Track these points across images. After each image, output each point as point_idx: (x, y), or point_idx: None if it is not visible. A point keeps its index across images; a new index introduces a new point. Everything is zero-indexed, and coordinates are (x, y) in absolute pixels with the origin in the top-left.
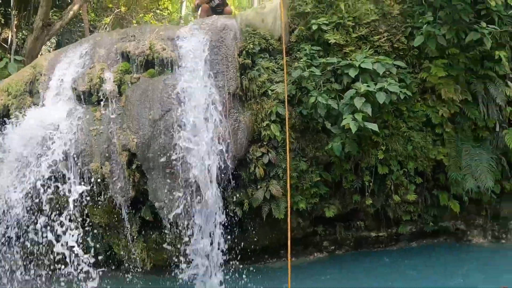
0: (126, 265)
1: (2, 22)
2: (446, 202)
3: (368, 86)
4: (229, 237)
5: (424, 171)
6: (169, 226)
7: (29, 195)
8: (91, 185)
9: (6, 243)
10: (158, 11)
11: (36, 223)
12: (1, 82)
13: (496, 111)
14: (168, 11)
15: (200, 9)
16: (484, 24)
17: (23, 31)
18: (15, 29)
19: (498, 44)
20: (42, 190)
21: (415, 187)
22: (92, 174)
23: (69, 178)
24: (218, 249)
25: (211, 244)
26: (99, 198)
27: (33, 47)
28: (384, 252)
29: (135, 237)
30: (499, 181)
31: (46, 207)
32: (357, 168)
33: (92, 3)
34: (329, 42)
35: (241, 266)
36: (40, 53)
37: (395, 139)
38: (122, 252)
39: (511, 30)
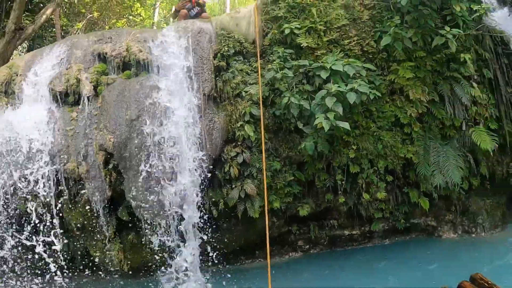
0: (103, 268)
1: None
2: (417, 199)
3: (339, 86)
4: (204, 237)
5: (394, 169)
6: (145, 226)
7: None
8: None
9: None
10: (131, 17)
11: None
12: None
13: (462, 111)
14: (141, 17)
15: (178, 14)
16: (448, 29)
17: None
18: None
19: (463, 47)
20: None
21: (386, 185)
22: (69, 174)
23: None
24: (194, 249)
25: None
26: (75, 199)
27: (4, 51)
28: (358, 250)
29: (111, 238)
30: (467, 178)
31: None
32: (329, 167)
33: (64, 8)
34: (301, 45)
35: (219, 267)
36: (11, 58)
37: (365, 138)
38: (98, 254)
39: (475, 34)
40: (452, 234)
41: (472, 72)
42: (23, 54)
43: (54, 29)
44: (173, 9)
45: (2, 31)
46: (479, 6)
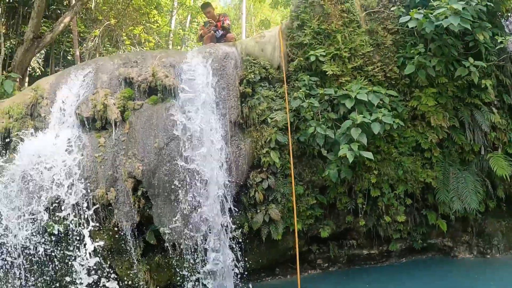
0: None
1: None
2: (434, 221)
3: (364, 117)
4: (229, 260)
5: (414, 192)
6: (172, 249)
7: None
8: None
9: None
10: (148, 24)
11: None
12: (1, 103)
13: (481, 137)
14: (158, 24)
15: (204, 37)
16: (471, 60)
17: (11, 40)
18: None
19: (484, 73)
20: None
21: (405, 207)
22: (98, 200)
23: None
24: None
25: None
26: (104, 223)
27: (23, 58)
28: (375, 268)
29: (138, 260)
30: (484, 200)
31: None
32: (351, 191)
33: (81, 14)
34: (327, 73)
35: (240, 285)
36: (29, 65)
37: (387, 164)
38: (124, 274)
39: (497, 63)
40: (468, 254)
41: (492, 98)
42: (40, 61)
43: (71, 35)
44: (199, 33)
45: (20, 38)
46: (503, 38)
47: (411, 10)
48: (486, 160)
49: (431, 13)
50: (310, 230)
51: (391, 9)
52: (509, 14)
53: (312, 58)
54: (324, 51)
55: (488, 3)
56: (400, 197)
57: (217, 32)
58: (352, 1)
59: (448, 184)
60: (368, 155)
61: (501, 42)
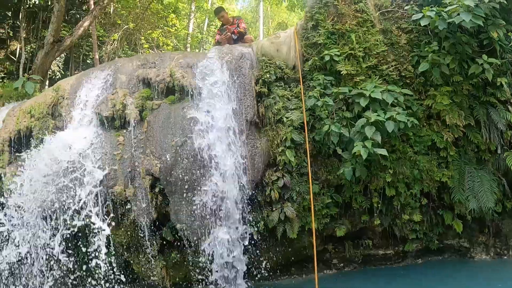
0: (144, 282)
1: (11, 34)
2: (450, 221)
3: (378, 115)
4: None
5: (430, 192)
6: (188, 246)
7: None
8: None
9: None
10: (166, 27)
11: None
12: (23, 103)
13: (497, 135)
14: (176, 27)
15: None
16: (485, 57)
17: (32, 44)
18: (23, 42)
19: (499, 71)
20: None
21: (421, 207)
22: (116, 196)
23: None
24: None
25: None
26: (121, 219)
27: (44, 62)
28: (391, 269)
29: (155, 256)
30: (500, 200)
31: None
32: (366, 190)
33: (100, 18)
34: (341, 72)
35: (256, 283)
36: (50, 68)
37: (402, 163)
38: (141, 270)
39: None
40: (485, 255)
41: (508, 96)
42: (60, 64)
43: (90, 39)
44: (216, 39)
45: (41, 43)
46: None
47: (424, 8)
48: (502, 159)
49: (444, 11)
50: (325, 229)
51: (405, 8)
52: None
53: (327, 58)
54: (338, 51)
55: (502, 1)
56: (415, 197)
57: (233, 34)
58: (365, 1)
59: (464, 183)
60: (382, 151)
61: None
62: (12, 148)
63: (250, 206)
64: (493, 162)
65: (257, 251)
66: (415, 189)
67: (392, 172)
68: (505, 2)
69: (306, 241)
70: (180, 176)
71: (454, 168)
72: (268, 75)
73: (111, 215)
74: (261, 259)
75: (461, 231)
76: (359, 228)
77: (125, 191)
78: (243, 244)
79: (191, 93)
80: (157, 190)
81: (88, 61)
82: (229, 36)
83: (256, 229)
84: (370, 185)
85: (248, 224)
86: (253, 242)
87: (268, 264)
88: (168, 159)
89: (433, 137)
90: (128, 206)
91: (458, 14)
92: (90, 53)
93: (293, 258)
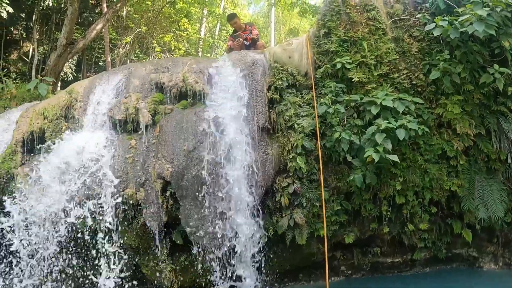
0: (153, 285)
1: (24, 35)
2: (459, 230)
3: (389, 123)
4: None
5: (439, 200)
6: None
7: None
8: (126, 209)
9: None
10: (178, 31)
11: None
12: (37, 105)
13: (508, 145)
14: (188, 32)
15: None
16: (496, 67)
17: (44, 46)
18: (36, 44)
19: (511, 80)
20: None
21: (430, 216)
22: (127, 199)
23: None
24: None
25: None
26: (132, 222)
27: (56, 64)
28: (399, 277)
29: (164, 259)
30: (510, 210)
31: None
32: (376, 197)
33: (113, 21)
34: (353, 80)
35: None
36: (62, 70)
37: (412, 171)
38: (150, 273)
39: None
40: (493, 265)
41: None
42: (73, 66)
43: (103, 42)
44: (228, 45)
45: (54, 44)
46: None
47: (436, 18)
48: None
49: (456, 20)
50: (334, 236)
51: (417, 16)
52: None
53: (339, 65)
54: (350, 59)
55: None
56: (425, 205)
57: (245, 41)
58: (378, 9)
59: (474, 192)
60: (394, 157)
61: None
62: (25, 149)
63: (260, 212)
64: (503, 171)
65: (266, 257)
66: (425, 198)
67: (402, 180)
68: None
69: (314, 248)
70: (192, 180)
71: (464, 177)
72: (280, 82)
73: (122, 218)
74: (270, 263)
75: (470, 240)
76: (367, 236)
77: (136, 194)
78: (255, 250)
79: (204, 98)
80: (168, 194)
81: (100, 63)
82: (242, 42)
83: (265, 235)
84: (379, 192)
85: (259, 229)
86: (262, 248)
87: (277, 269)
88: (180, 163)
89: (443, 146)
90: (139, 209)
91: (471, 24)
92: (102, 55)
93: (301, 264)
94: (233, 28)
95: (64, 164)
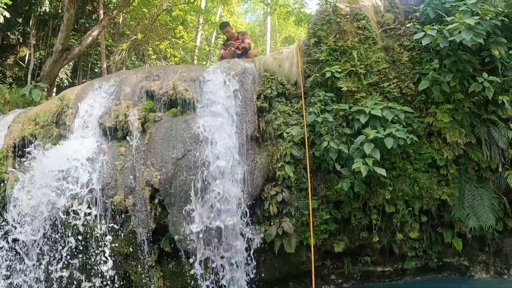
0: None
1: (20, 40)
2: (450, 239)
3: (377, 132)
4: (243, 272)
5: (429, 209)
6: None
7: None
8: (114, 216)
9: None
10: (173, 39)
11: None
12: (29, 110)
13: (498, 154)
14: (184, 39)
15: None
16: (486, 75)
17: (41, 51)
18: (33, 49)
19: (501, 89)
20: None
21: (420, 225)
22: (116, 206)
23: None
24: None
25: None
26: (121, 228)
27: (52, 69)
28: (390, 286)
29: (152, 266)
30: (501, 219)
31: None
32: (365, 206)
33: (109, 28)
34: (342, 89)
35: None
36: (58, 75)
37: (402, 180)
38: (138, 279)
39: None
40: (485, 274)
41: (509, 114)
42: (68, 72)
43: (99, 48)
44: (220, 54)
45: (50, 50)
46: None
47: (425, 26)
48: (503, 177)
49: (445, 29)
50: (324, 245)
51: (407, 25)
52: None
53: (328, 74)
54: (340, 68)
55: (504, 18)
56: (415, 214)
57: (237, 50)
58: (368, 18)
59: (464, 201)
60: (381, 171)
61: None
62: (16, 154)
63: (249, 220)
64: (494, 180)
65: (255, 265)
66: (415, 207)
67: (391, 189)
68: (507, 20)
69: (304, 256)
70: (180, 188)
71: (454, 186)
72: (269, 91)
73: (111, 224)
74: (259, 272)
75: (460, 249)
76: (357, 245)
77: (125, 201)
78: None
79: (194, 106)
80: (156, 201)
81: (96, 70)
82: (233, 51)
83: (254, 243)
84: (369, 201)
85: (247, 238)
86: (251, 256)
87: (266, 277)
88: (168, 171)
89: (433, 155)
90: (128, 216)
91: (460, 32)
92: (98, 62)
93: (291, 273)
94: (226, 37)
95: (53, 171)
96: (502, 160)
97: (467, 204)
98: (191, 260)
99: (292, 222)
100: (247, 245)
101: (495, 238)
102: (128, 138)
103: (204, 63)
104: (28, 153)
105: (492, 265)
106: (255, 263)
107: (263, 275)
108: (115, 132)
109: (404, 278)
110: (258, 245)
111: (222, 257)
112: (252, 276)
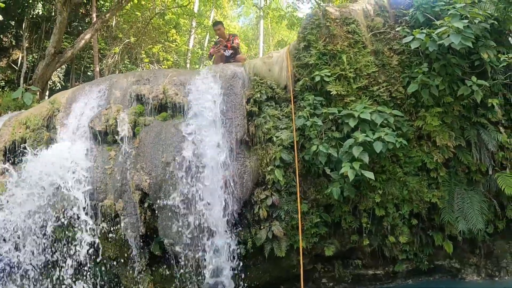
0: None
1: (13, 43)
2: (441, 242)
3: (366, 136)
4: (231, 274)
5: (420, 212)
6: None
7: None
8: (105, 219)
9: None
10: (166, 42)
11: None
12: (20, 114)
13: (488, 156)
14: (176, 43)
15: (214, 56)
16: (474, 79)
17: (34, 54)
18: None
19: (491, 92)
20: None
21: (411, 228)
22: (106, 209)
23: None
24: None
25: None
26: (111, 232)
27: (44, 72)
28: None
29: (143, 270)
30: (492, 222)
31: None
32: (356, 210)
33: (102, 31)
34: (331, 92)
35: None
36: (50, 79)
37: (391, 183)
38: (129, 283)
39: (503, 81)
40: (476, 277)
41: (499, 117)
42: (61, 75)
43: (92, 51)
44: (210, 52)
45: (42, 53)
46: (506, 56)
47: (414, 30)
48: (493, 180)
49: (434, 32)
50: (314, 248)
51: (397, 29)
52: None
53: (317, 78)
54: (329, 72)
55: (493, 22)
56: (405, 217)
57: (226, 51)
58: (358, 22)
59: (454, 204)
60: (369, 175)
61: (505, 60)
62: (6, 158)
63: (239, 224)
64: (484, 183)
65: (245, 269)
66: (405, 210)
67: (381, 193)
68: (497, 23)
69: (294, 260)
70: (169, 192)
71: (444, 189)
72: (259, 95)
73: (101, 228)
74: (249, 275)
75: (451, 252)
76: (348, 248)
77: (114, 205)
78: (231, 261)
79: (183, 110)
80: (146, 205)
81: (88, 73)
82: (222, 54)
83: (244, 247)
84: (359, 205)
85: (237, 242)
86: (240, 259)
87: (256, 281)
88: (158, 175)
89: (423, 158)
90: (117, 220)
91: (448, 36)
92: (91, 65)
93: (281, 277)
94: (217, 36)
95: (42, 174)
96: (492, 162)
97: (457, 207)
98: (181, 264)
99: (282, 225)
100: (236, 248)
101: (486, 240)
102: (118, 142)
103: (197, 66)
104: (19, 157)
105: (483, 268)
106: (244, 267)
107: (253, 278)
108: (105, 136)
109: (396, 281)
110: (246, 250)
111: (210, 261)
112: (241, 281)
